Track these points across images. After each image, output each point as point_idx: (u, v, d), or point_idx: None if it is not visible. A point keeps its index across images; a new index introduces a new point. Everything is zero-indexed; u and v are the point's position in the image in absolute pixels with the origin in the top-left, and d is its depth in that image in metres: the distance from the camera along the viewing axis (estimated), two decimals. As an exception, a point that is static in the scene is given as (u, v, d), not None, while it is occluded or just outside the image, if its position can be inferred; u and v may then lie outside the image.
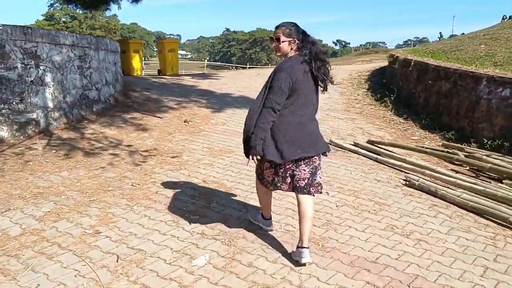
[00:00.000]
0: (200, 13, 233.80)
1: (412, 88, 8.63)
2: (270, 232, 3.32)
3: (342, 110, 8.54)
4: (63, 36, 6.38)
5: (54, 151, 5.35)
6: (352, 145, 6.07)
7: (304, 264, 2.80)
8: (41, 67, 6.07)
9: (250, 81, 12.26)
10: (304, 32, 2.87)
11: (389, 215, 3.80)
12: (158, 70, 14.06)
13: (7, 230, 3.25)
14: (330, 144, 6.09)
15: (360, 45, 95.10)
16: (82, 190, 4.12)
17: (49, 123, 6.21)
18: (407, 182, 4.60)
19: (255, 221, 3.40)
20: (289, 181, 2.86)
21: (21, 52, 5.75)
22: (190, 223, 3.45)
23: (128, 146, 5.68)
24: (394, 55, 10.67)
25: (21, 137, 5.69)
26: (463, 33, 20.90)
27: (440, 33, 49.71)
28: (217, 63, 67.47)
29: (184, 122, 7.13)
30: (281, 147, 2.74)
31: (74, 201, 3.84)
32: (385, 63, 15.61)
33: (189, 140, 6.11)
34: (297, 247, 2.86)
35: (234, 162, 5.14)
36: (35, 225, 3.34)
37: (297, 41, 2.82)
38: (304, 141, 2.79)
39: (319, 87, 2.91)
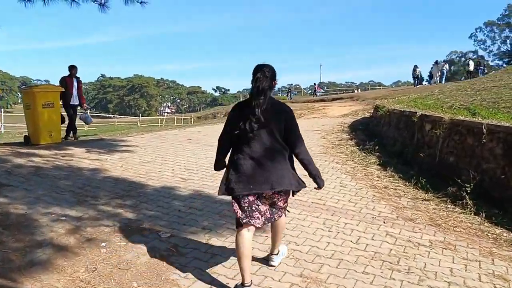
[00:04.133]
0: (71, 57, 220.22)
1: (497, 171, 5.41)
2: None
3: (401, 223, 4.90)
4: None
5: None
6: None
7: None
8: None
9: (190, 154, 8.11)
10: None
11: None
12: (25, 136, 9.07)
13: None
14: None
15: (238, 91, 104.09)
16: None
17: None
18: None
19: None
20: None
21: None
22: None
23: None
24: (418, 114, 7.46)
25: None
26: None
27: (291, 84, 51.08)
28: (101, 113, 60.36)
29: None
30: None
31: None
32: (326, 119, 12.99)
33: None
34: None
35: None
36: None
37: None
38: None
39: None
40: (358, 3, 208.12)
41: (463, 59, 76.06)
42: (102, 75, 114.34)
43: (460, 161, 6.16)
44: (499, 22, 75.93)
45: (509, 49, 75.12)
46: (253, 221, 3.07)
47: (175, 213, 4.76)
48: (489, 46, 77.85)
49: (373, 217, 4.95)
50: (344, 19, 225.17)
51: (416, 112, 7.46)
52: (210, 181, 6.18)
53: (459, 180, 5.54)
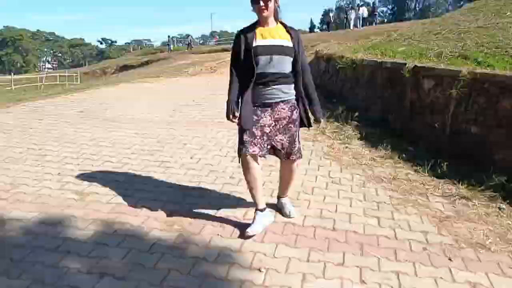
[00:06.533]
0: None
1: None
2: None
3: (473, 257, 3.05)
4: None
5: None
6: None
7: None
8: None
9: (85, 138, 5.47)
10: None
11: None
12: None
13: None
14: None
15: (127, 43, 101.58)
16: None
17: None
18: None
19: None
20: None
21: None
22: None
23: None
24: (409, 66, 5.57)
25: None
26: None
27: (168, 36, 48.22)
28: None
29: None
30: None
31: None
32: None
33: None
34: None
35: None
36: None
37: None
38: None
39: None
40: None
41: (350, 5, 79.36)
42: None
43: (491, 133, 4.46)
44: (382, -31, 79.59)
45: (391, -5, 79.10)
46: None
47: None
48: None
49: (424, 248, 3.02)
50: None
51: (406, 64, 5.60)
52: (129, 194, 3.77)
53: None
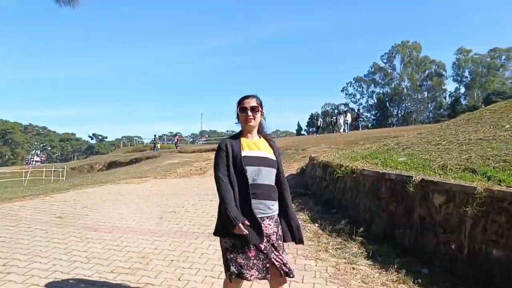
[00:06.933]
0: None
1: None
2: None
3: None
4: None
5: None
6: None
7: None
8: None
9: (61, 258, 4.84)
10: None
11: None
12: None
13: None
14: None
15: (117, 139, 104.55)
16: None
17: None
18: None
19: None
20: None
21: None
22: None
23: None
24: (415, 179, 5.28)
25: None
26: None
27: (155, 135, 49.13)
28: None
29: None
30: None
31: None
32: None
33: None
34: None
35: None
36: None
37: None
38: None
39: None
40: (234, 60, 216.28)
41: (336, 111, 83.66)
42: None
43: (516, 258, 3.99)
44: (366, 78, 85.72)
45: (376, 102, 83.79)
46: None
47: None
48: (358, 99, 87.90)
49: None
50: (224, 72, 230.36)
51: (412, 177, 5.27)
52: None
53: None
